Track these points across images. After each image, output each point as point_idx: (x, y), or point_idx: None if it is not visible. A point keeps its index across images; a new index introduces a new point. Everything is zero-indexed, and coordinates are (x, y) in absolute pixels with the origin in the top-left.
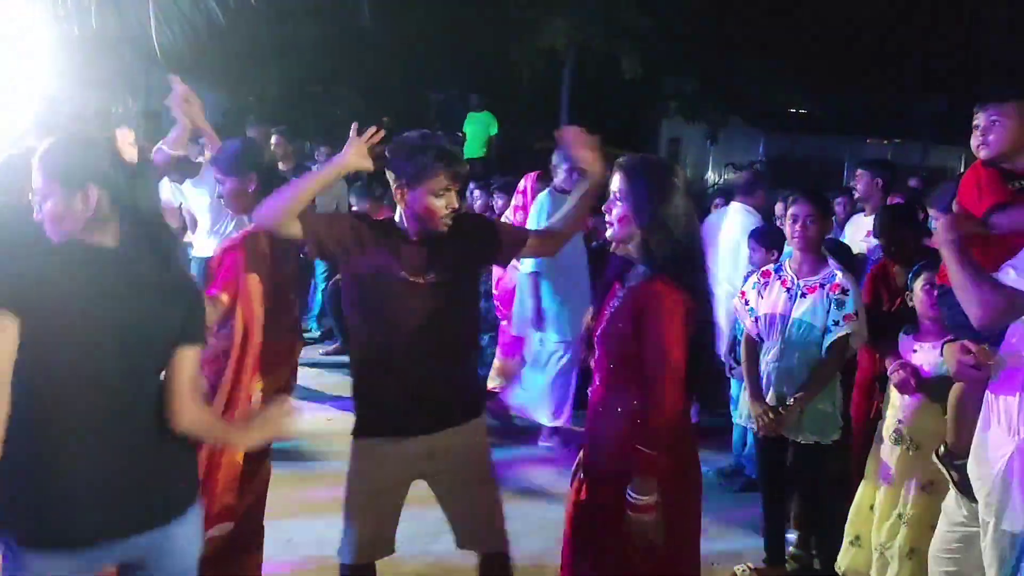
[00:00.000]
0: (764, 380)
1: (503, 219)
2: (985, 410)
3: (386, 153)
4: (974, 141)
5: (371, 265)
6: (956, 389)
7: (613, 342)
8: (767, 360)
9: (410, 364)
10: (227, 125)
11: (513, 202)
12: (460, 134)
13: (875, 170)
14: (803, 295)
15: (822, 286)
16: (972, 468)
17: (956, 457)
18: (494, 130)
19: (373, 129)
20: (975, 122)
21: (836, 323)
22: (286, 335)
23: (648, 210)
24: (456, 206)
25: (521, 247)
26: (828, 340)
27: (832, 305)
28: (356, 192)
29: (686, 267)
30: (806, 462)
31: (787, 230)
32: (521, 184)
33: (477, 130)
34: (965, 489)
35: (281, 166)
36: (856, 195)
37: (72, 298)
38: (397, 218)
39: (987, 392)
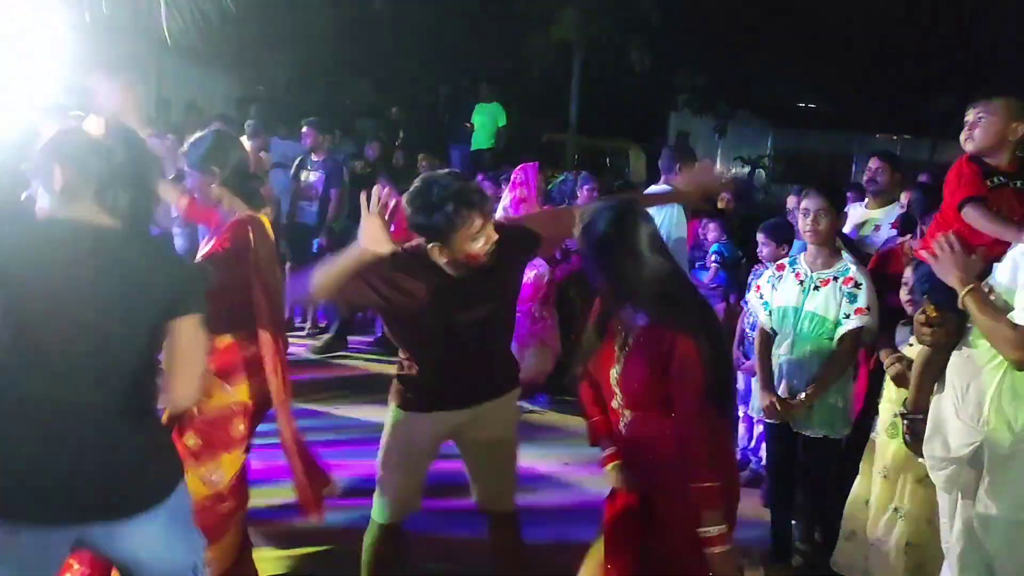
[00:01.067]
0: (776, 372)
1: (503, 211)
2: (954, 397)
3: (406, 213)
4: (963, 135)
5: (414, 311)
6: (921, 352)
7: (638, 385)
8: (779, 353)
9: (453, 356)
10: (233, 113)
11: (515, 194)
12: (468, 124)
13: (896, 164)
14: (816, 288)
15: (835, 279)
16: (936, 447)
17: (912, 413)
18: (503, 121)
19: (383, 196)
20: (966, 117)
21: (847, 316)
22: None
23: (608, 272)
24: (495, 237)
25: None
26: (839, 333)
27: (844, 298)
28: (385, 177)
29: (675, 309)
30: (814, 456)
31: (799, 224)
32: (519, 175)
33: (486, 121)
34: (913, 445)
35: (314, 157)
36: (874, 187)
37: (47, 272)
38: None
39: (956, 382)
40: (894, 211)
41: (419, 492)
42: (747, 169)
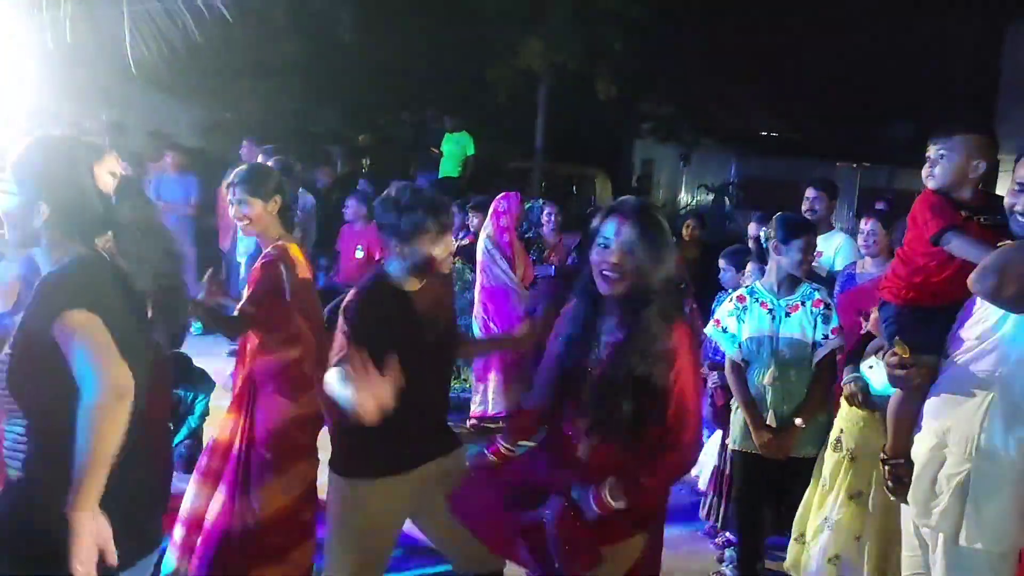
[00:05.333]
0: (759, 402)
1: (482, 238)
2: (939, 431)
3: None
4: (924, 172)
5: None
6: (894, 396)
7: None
8: (762, 383)
9: (404, 405)
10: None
11: (497, 223)
12: (436, 151)
13: (831, 191)
14: (787, 315)
15: (803, 304)
16: (924, 485)
17: (893, 458)
18: (471, 150)
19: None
20: (927, 153)
21: (825, 337)
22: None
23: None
24: (453, 248)
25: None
26: (819, 355)
27: (818, 320)
28: (356, 197)
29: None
30: (799, 474)
31: (792, 259)
32: (501, 204)
33: (454, 150)
34: (893, 489)
35: None
36: (813, 216)
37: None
38: (392, 269)
39: (934, 426)
40: (831, 237)
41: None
42: (711, 196)
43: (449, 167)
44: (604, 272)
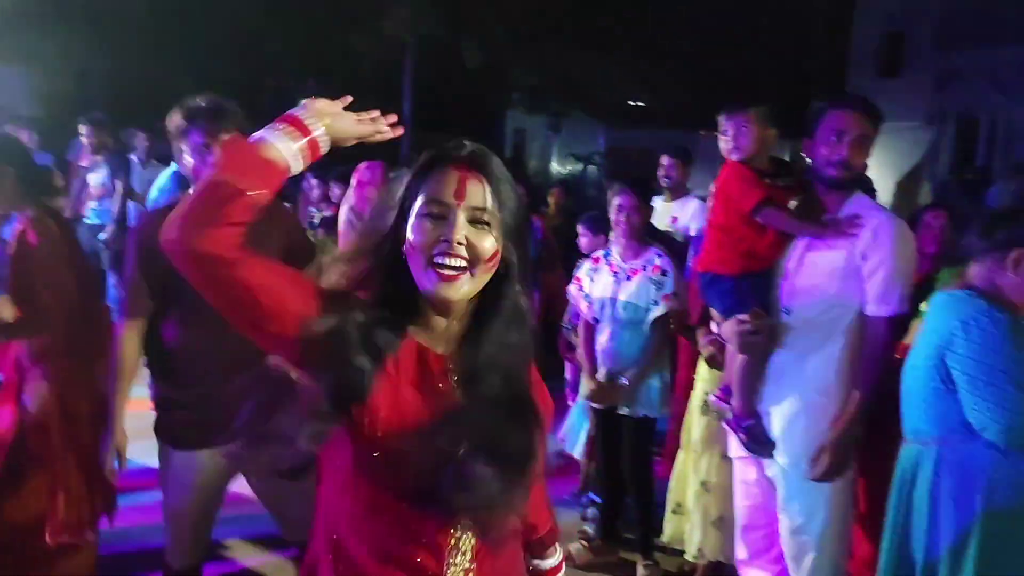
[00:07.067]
0: (599, 359)
1: (344, 209)
2: (802, 381)
3: None
4: (725, 145)
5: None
6: (740, 360)
7: None
8: (601, 340)
9: (212, 371)
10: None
11: (360, 193)
12: None
13: (685, 158)
14: (628, 278)
15: (644, 269)
16: (797, 434)
17: (743, 419)
18: None
19: None
20: (722, 129)
21: (656, 303)
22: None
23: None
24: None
25: None
26: (649, 319)
27: (652, 286)
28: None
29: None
30: (638, 435)
31: (612, 218)
32: (364, 175)
33: None
34: (755, 448)
35: (98, 158)
36: (668, 182)
37: None
38: None
39: (798, 366)
40: (686, 202)
41: (210, 531)
42: (580, 165)
43: None
44: (443, 263)
